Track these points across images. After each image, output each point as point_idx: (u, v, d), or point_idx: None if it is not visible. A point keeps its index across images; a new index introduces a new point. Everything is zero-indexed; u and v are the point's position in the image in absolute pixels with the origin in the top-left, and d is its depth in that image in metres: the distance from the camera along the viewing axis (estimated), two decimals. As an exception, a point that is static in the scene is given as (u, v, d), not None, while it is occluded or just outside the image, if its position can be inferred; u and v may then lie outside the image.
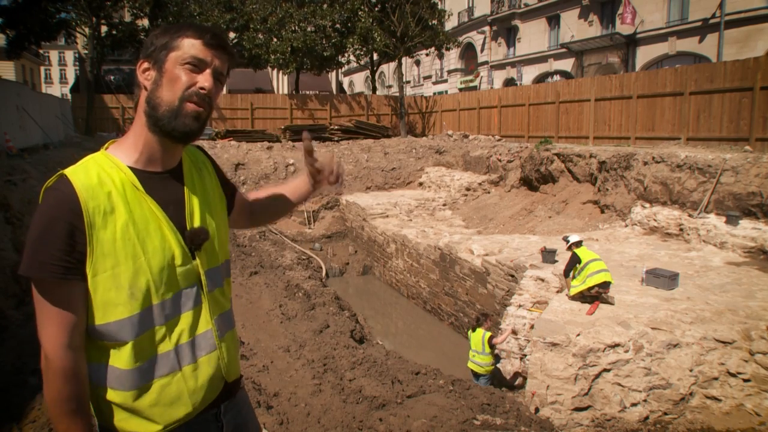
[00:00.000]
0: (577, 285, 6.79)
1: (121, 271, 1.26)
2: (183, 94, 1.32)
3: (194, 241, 1.39)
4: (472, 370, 7.61)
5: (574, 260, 6.85)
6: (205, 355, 1.41)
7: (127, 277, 1.27)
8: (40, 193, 1.28)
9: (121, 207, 1.27)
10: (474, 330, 7.65)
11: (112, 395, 1.32)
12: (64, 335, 1.24)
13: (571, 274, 6.93)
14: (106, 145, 1.40)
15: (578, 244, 7.04)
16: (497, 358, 7.47)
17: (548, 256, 8.54)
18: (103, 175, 1.28)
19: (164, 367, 1.34)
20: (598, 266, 6.66)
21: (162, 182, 1.37)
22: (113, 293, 1.27)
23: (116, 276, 1.26)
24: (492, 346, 7.38)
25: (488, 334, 7.49)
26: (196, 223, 1.41)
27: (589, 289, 6.66)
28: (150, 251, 1.30)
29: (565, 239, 7.31)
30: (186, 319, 1.38)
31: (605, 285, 6.63)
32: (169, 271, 1.34)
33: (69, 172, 1.27)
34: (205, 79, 1.33)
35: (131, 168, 1.33)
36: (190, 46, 1.33)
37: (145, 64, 1.34)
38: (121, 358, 1.30)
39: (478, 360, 7.51)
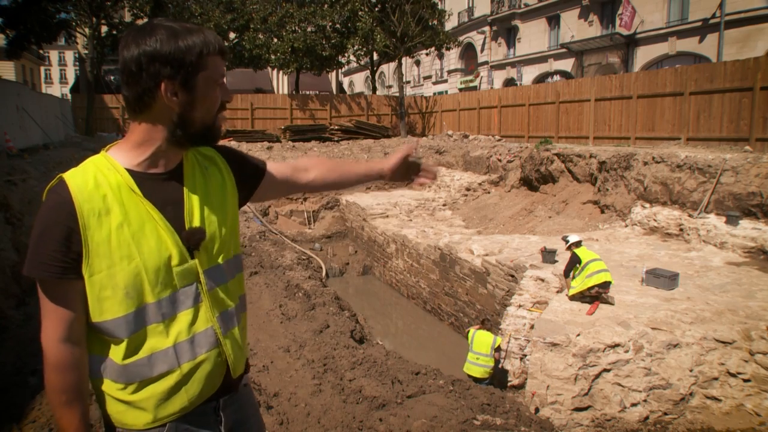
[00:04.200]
0: (577, 285, 6.79)
1: (116, 272, 1.29)
2: (216, 111, 1.39)
3: (191, 240, 1.39)
4: (472, 376, 7.23)
5: (574, 260, 6.84)
6: (205, 353, 1.43)
7: (122, 277, 1.30)
8: (41, 193, 1.30)
9: (116, 209, 1.30)
10: (484, 331, 7.47)
11: (109, 386, 1.37)
12: (59, 330, 1.30)
13: (571, 274, 6.93)
14: (107, 146, 1.40)
15: (578, 244, 7.02)
16: (497, 362, 7.38)
17: (548, 256, 8.54)
18: (100, 177, 1.30)
19: (163, 363, 1.37)
20: (598, 266, 6.65)
21: (161, 183, 1.38)
22: (109, 292, 1.30)
23: (111, 276, 1.29)
24: (497, 350, 7.26)
25: (500, 339, 7.24)
26: (196, 223, 1.41)
27: (589, 289, 6.65)
28: (145, 252, 1.32)
29: (565, 239, 7.25)
30: (184, 317, 1.39)
31: (605, 285, 6.62)
32: (166, 271, 1.35)
33: (67, 175, 1.30)
34: (226, 92, 1.39)
35: (130, 170, 1.34)
36: (216, 64, 1.35)
37: (172, 87, 1.29)
38: (118, 353, 1.34)
39: (483, 363, 7.27)
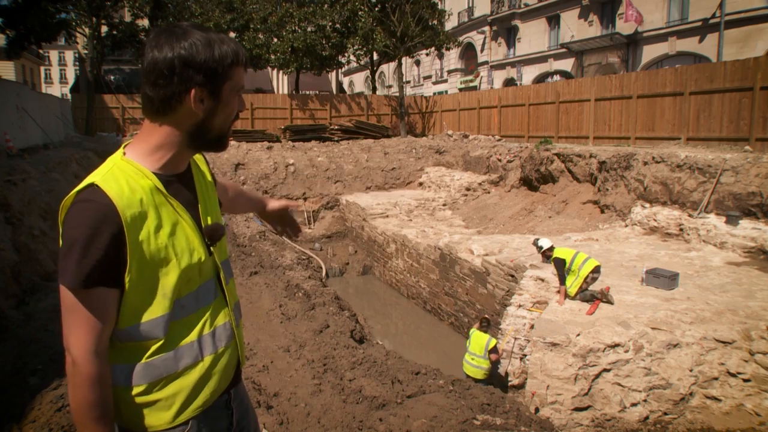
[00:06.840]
0: (572, 283, 6.94)
1: (155, 274, 1.32)
2: (232, 120, 1.42)
3: (212, 237, 1.47)
4: (469, 375, 7.34)
5: (560, 265, 6.96)
6: (224, 345, 1.49)
7: (160, 278, 1.33)
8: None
9: (152, 212, 1.32)
10: (483, 332, 7.53)
11: (128, 392, 1.35)
12: (93, 341, 1.27)
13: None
14: (121, 149, 1.39)
15: (551, 249, 7.35)
16: (495, 365, 7.41)
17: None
18: (132, 182, 1.30)
19: (188, 357, 1.40)
20: (581, 257, 6.90)
21: (178, 185, 1.43)
22: (147, 295, 1.32)
23: (151, 279, 1.32)
24: (493, 352, 7.30)
25: (494, 341, 7.35)
26: (209, 221, 1.48)
27: (585, 280, 6.81)
28: (179, 252, 1.36)
29: (536, 245, 7.46)
30: (207, 311, 1.45)
31: (597, 269, 6.86)
32: (194, 267, 1.40)
33: (99, 181, 1.27)
34: (241, 103, 1.42)
35: (155, 173, 1.36)
36: (240, 75, 1.37)
37: (201, 94, 1.31)
38: (148, 353, 1.35)
39: (477, 363, 7.38)
